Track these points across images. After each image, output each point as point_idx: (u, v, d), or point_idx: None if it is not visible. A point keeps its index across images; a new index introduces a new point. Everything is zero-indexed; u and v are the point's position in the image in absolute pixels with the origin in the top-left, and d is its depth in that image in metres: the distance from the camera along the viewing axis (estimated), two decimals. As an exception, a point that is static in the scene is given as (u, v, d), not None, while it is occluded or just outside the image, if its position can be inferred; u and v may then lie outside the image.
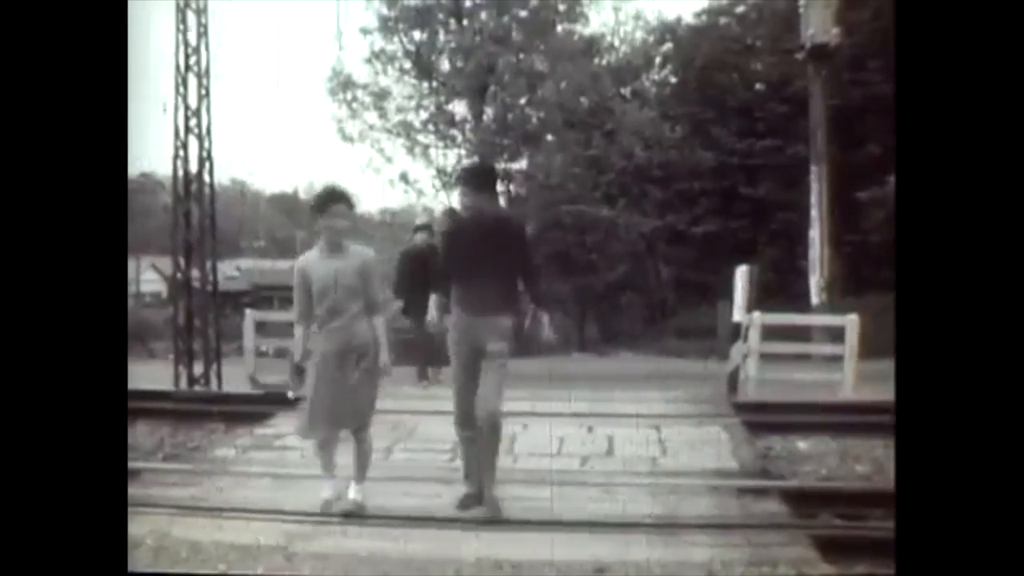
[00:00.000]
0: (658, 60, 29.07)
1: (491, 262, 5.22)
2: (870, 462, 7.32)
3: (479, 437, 5.31)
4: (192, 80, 13.43)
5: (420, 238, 10.84)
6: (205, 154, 13.57)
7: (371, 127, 25.29)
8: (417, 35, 24.99)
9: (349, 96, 25.12)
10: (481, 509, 5.33)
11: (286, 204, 71.44)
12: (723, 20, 27.93)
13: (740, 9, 27.75)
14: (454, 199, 24.73)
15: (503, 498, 5.38)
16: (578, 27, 26.02)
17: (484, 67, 23.74)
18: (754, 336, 10.20)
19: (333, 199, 5.23)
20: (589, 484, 6.11)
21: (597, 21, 27.92)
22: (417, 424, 7.75)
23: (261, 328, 11.99)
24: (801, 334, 12.52)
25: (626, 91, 27.29)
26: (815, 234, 17.63)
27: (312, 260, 5.25)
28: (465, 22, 24.59)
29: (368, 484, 5.44)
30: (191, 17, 13.46)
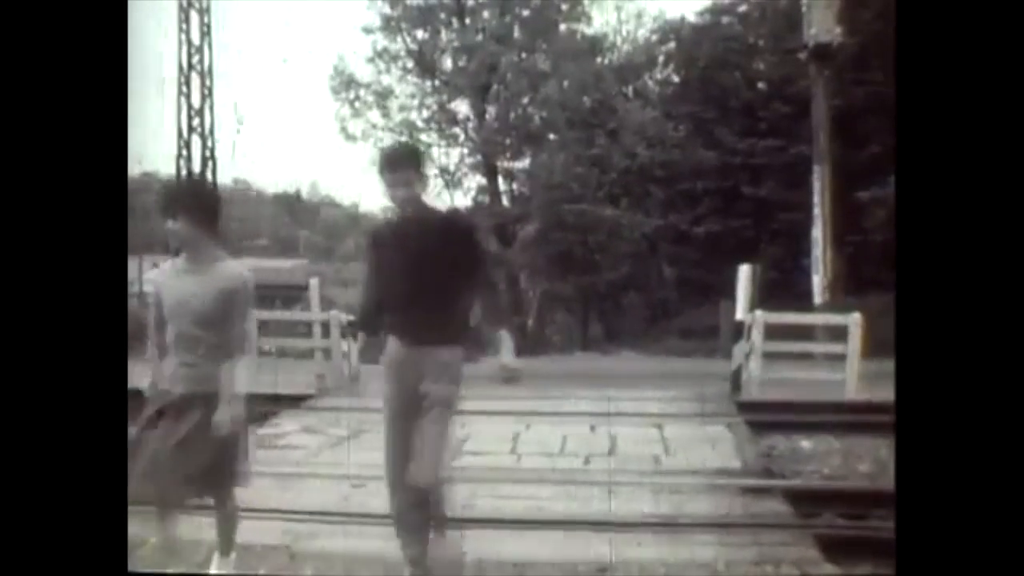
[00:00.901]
0: (661, 59, 29.02)
1: (432, 274, 3.92)
2: (873, 461, 7.32)
3: (419, 514, 4.14)
4: (195, 79, 13.46)
5: None
6: (208, 153, 13.60)
7: (374, 126, 25.36)
8: (420, 34, 25.04)
9: (352, 95, 25.19)
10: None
11: (289, 203, 71.48)
12: (725, 19, 27.86)
13: (742, 8, 27.69)
14: (457, 198, 24.78)
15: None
16: (580, 26, 26.03)
17: (486, 66, 23.77)
18: (757, 335, 10.20)
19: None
20: (592, 483, 6.11)
21: (599, 20, 27.89)
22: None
23: (263, 327, 11.98)
24: (804, 333, 12.50)
25: (628, 90, 27.28)
26: (818, 233, 17.62)
27: (166, 274, 3.97)
28: (467, 21, 24.62)
29: (371, 484, 5.42)
30: (194, 17, 13.49)
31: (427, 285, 3.92)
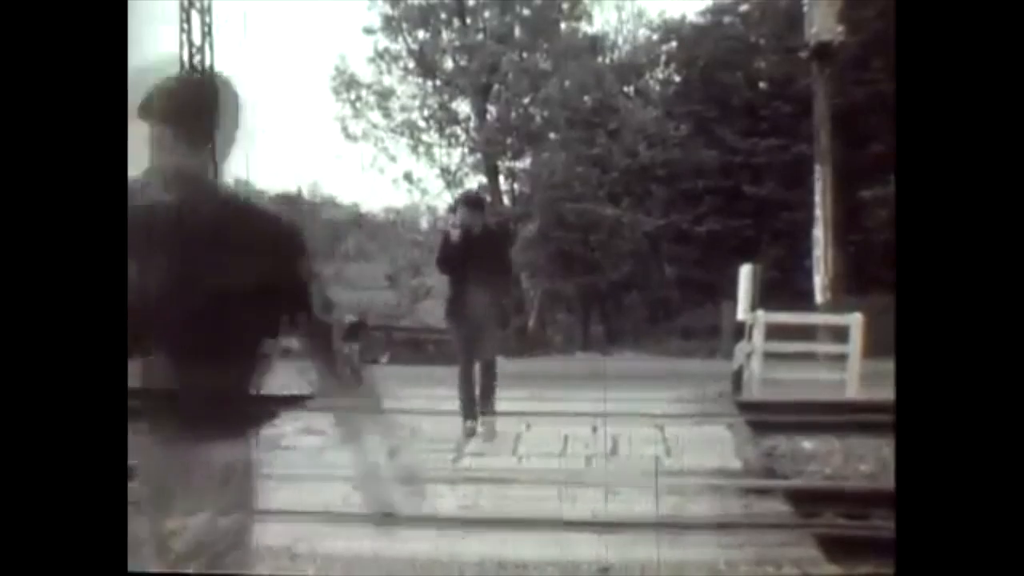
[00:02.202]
0: (662, 59, 29.00)
1: (209, 304, 2.26)
2: (874, 461, 7.32)
3: None
4: (196, 80, 13.44)
5: (460, 219, 7.51)
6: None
7: (375, 126, 25.37)
8: (420, 34, 25.04)
9: (353, 95, 25.20)
10: None
11: (289, 203, 71.58)
12: (727, 19, 27.84)
13: (744, 8, 27.67)
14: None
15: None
16: (582, 25, 26.04)
17: (487, 66, 23.77)
18: (758, 335, 10.19)
19: None
20: (593, 484, 6.11)
21: (600, 20, 27.89)
22: (421, 424, 7.75)
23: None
24: (805, 333, 12.49)
25: (630, 90, 27.25)
26: (819, 233, 17.59)
27: None
28: (468, 21, 24.62)
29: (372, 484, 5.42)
30: (195, 17, 13.48)
31: (197, 323, 2.25)
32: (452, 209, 7.98)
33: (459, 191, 25.03)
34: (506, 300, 8.00)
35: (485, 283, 7.35)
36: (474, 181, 26.35)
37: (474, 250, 7.31)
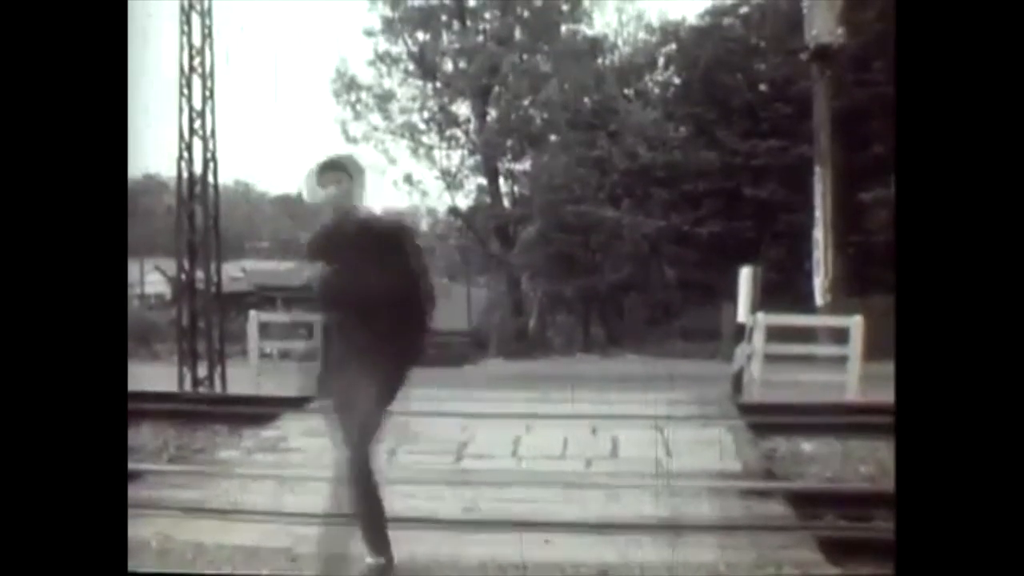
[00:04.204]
0: (662, 61, 29.04)
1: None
2: (874, 463, 7.31)
3: None
4: (196, 82, 13.43)
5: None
6: (209, 155, 13.56)
7: (375, 128, 25.47)
8: (421, 36, 25.09)
9: (353, 98, 25.29)
10: None
11: (290, 206, 71.51)
12: (726, 21, 27.88)
13: (744, 10, 27.70)
14: (458, 199, 24.79)
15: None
16: (582, 27, 26.10)
17: (487, 68, 23.82)
18: (758, 337, 10.18)
19: None
20: (593, 486, 6.10)
21: (600, 22, 28.00)
22: (420, 426, 7.74)
23: (265, 330, 12.00)
24: (805, 335, 12.49)
25: (630, 92, 27.29)
26: (819, 235, 17.60)
27: None
28: (468, 23, 24.66)
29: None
30: (195, 19, 13.46)
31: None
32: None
33: (459, 193, 25.02)
34: (412, 349, 4.45)
35: (372, 322, 4.18)
36: (474, 183, 26.43)
37: (349, 257, 4.16)
